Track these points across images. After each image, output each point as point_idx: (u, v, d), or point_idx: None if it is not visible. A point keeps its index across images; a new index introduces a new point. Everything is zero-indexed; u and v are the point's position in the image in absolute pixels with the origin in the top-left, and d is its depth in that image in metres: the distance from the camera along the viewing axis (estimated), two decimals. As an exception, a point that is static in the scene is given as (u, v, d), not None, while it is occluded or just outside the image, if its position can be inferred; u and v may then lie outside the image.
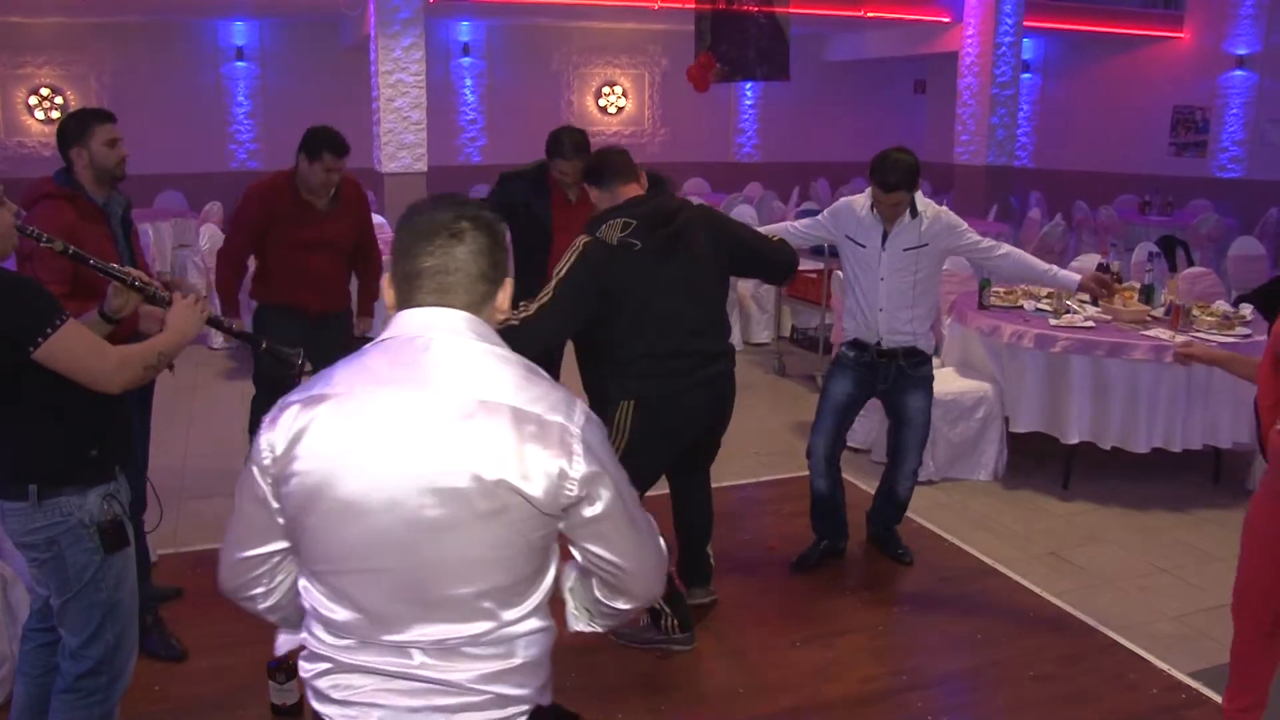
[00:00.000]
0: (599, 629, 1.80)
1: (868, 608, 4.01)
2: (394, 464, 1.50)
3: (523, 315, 3.12)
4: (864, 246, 4.02)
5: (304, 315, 4.45)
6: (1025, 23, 12.42)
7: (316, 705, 1.62)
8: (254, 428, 3.32)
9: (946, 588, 4.11)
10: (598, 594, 1.72)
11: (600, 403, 3.51)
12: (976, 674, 3.61)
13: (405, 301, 1.60)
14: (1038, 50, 15.06)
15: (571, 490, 1.54)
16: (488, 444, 1.50)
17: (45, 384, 2.32)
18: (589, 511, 1.58)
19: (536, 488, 1.51)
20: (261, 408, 3.73)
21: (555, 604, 1.69)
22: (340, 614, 1.57)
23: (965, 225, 4.04)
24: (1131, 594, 4.17)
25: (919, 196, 3.99)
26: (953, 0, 12.61)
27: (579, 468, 1.54)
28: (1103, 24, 13.72)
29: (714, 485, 5.21)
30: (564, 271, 3.24)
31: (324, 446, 1.52)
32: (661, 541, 1.74)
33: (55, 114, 11.93)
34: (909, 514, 4.73)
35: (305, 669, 1.64)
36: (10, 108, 11.86)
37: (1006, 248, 4.16)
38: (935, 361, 4.37)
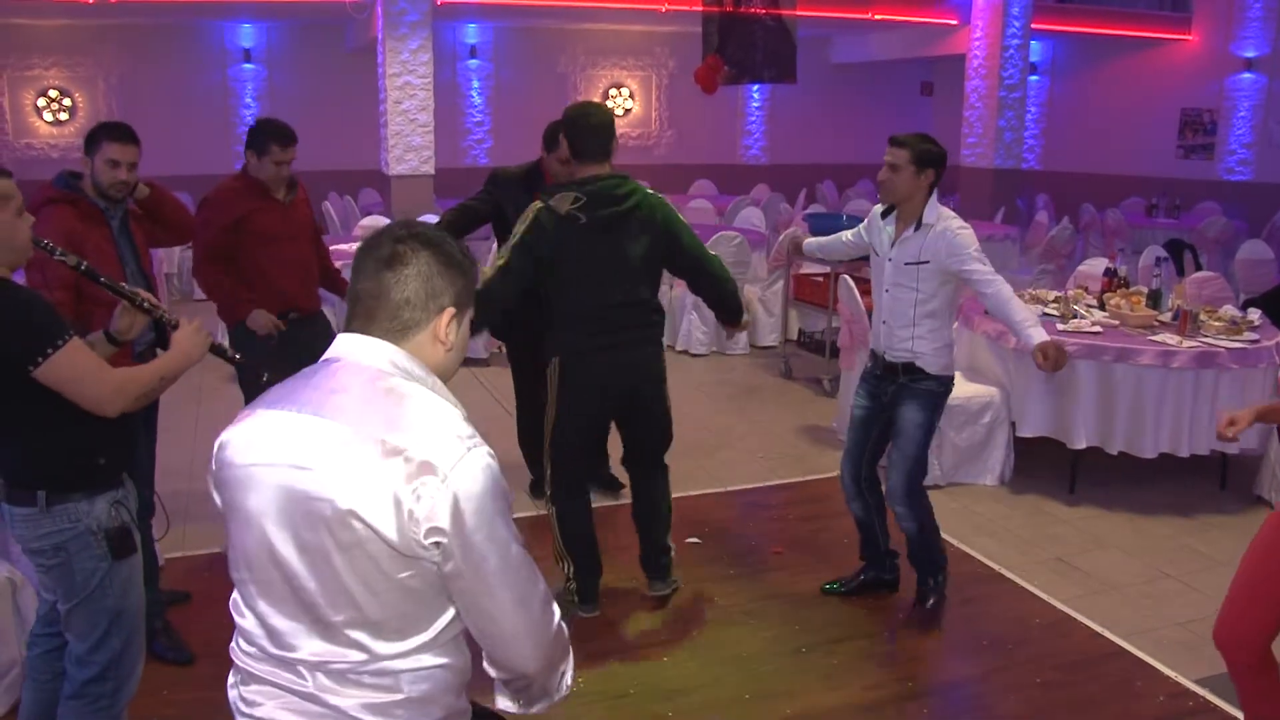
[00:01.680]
0: (521, 709, 1.70)
1: (872, 614, 4.00)
2: (280, 482, 1.54)
3: (483, 280, 3.39)
4: (877, 254, 3.90)
5: (288, 315, 4.32)
6: (1033, 25, 12.41)
7: (236, 718, 1.69)
8: None
9: (952, 593, 4.11)
10: (485, 663, 1.65)
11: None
12: (982, 681, 3.60)
13: (348, 321, 1.63)
14: (1045, 52, 15.04)
15: (417, 536, 1.47)
16: (351, 473, 1.49)
17: (53, 392, 2.32)
18: (446, 566, 1.51)
19: (388, 526, 1.47)
20: None
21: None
22: (247, 620, 1.64)
23: (971, 250, 3.64)
24: (1138, 600, 4.16)
25: (940, 211, 3.72)
26: (960, 2, 12.59)
27: (427, 514, 1.46)
28: (1110, 26, 13.70)
29: (719, 489, 5.25)
30: (516, 237, 3.60)
31: (239, 457, 1.59)
32: (551, 615, 1.62)
33: (63, 116, 11.98)
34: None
35: (230, 680, 1.71)
36: (19, 110, 11.90)
37: (997, 285, 3.66)
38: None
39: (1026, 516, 4.99)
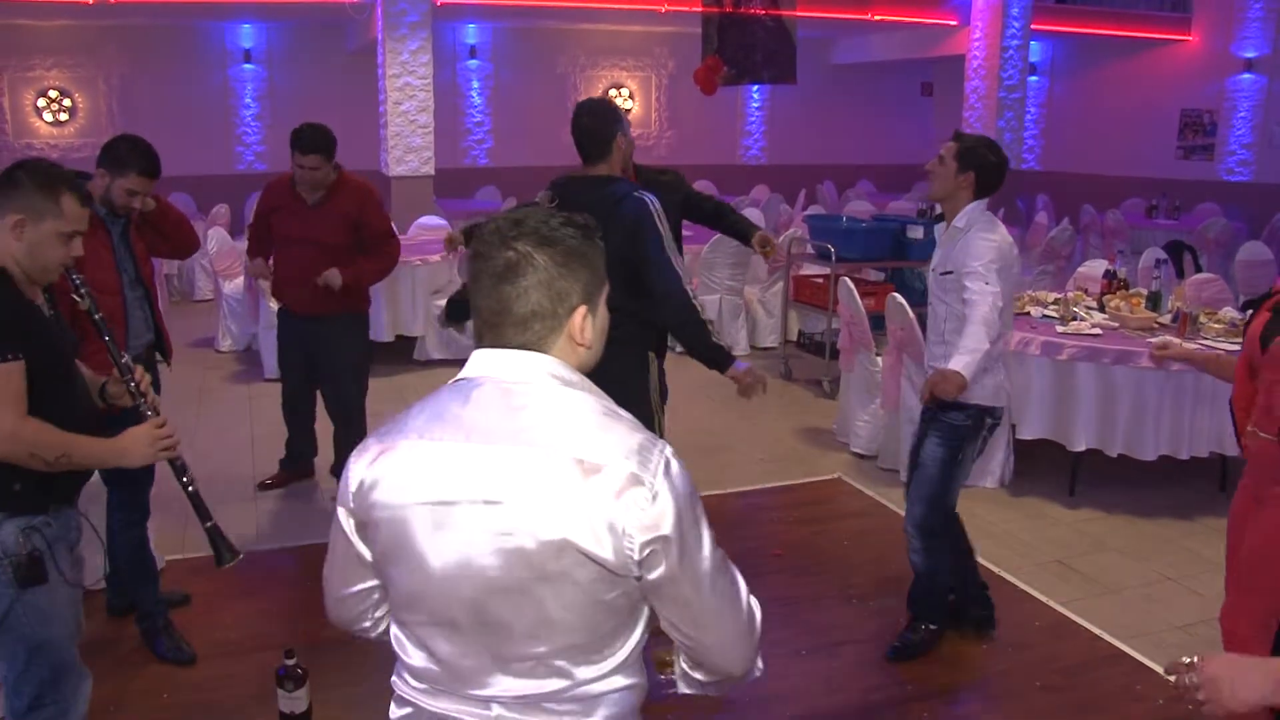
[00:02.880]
0: (711, 694, 1.71)
1: (873, 617, 4.00)
2: (460, 520, 1.45)
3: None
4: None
5: (293, 316, 4.81)
6: (1032, 26, 12.42)
7: None
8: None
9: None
10: (682, 661, 1.63)
11: None
12: (982, 684, 3.61)
13: (478, 338, 1.55)
14: (1045, 53, 15.04)
15: (633, 552, 1.42)
16: (552, 500, 1.41)
17: None
18: (653, 574, 1.45)
19: (604, 548, 1.41)
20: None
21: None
22: (419, 661, 1.55)
23: (979, 261, 3.35)
24: (1138, 603, 4.16)
25: (974, 217, 3.46)
26: (960, 3, 12.60)
27: (643, 525, 1.41)
28: (1110, 27, 13.70)
29: (719, 491, 5.24)
30: None
31: (397, 497, 1.49)
32: (753, 609, 1.60)
33: (63, 116, 11.98)
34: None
35: (393, 711, 1.61)
36: (19, 110, 11.90)
37: (976, 305, 3.34)
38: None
39: (1026, 519, 4.99)
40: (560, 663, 1.48)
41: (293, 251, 4.68)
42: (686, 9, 10.78)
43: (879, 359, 5.71)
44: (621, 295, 3.61)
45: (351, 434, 4.88)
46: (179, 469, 2.59)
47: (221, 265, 8.25)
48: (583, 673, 1.49)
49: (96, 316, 2.54)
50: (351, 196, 4.66)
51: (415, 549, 1.47)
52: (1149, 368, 4.88)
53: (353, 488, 1.53)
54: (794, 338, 7.82)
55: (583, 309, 1.53)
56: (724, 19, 9.67)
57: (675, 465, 1.46)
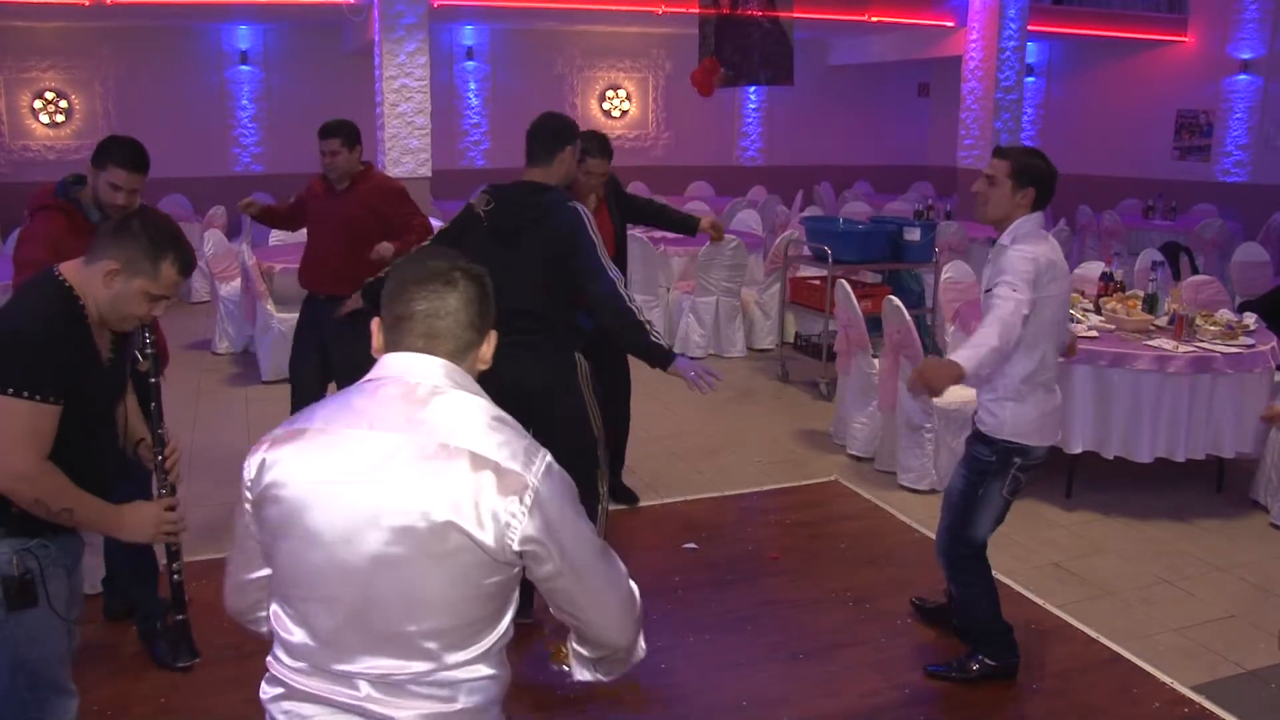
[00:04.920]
0: (602, 678, 1.83)
1: (869, 620, 4.01)
2: (355, 498, 1.56)
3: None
4: None
5: (316, 298, 5.03)
6: (1029, 27, 12.41)
7: None
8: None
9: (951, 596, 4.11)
10: (574, 642, 1.77)
11: None
12: (979, 688, 3.60)
13: (393, 345, 1.67)
14: (1041, 54, 15.05)
15: (513, 543, 1.56)
16: (442, 486, 1.54)
17: None
18: (539, 568, 1.60)
19: (486, 534, 1.54)
20: None
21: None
22: (297, 636, 1.63)
23: (1009, 273, 3.19)
24: (1134, 605, 4.17)
25: (1021, 233, 3.26)
26: (957, 4, 12.60)
27: (523, 522, 1.55)
28: (1106, 28, 13.71)
29: (716, 494, 5.25)
30: (442, 228, 3.87)
31: (297, 476, 1.60)
32: (631, 588, 1.75)
33: (60, 118, 11.95)
34: (910, 522, 4.75)
35: (265, 691, 1.70)
36: (15, 112, 11.88)
37: (998, 309, 3.17)
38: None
39: (1022, 521, 4.99)
40: (431, 644, 1.58)
41: (320, 233, 5.03)
42: (683, 10, 10.78)
43: (876, 361, 5.71)
44: (547, 303, 3.65)
45: None
46: (173, 554, 2.59)
47: (218, 268, 8.24)
48: (449, 657, 1.59)
49: (153, 380, 2.55)
50: (375, 188, 4.98)
51: (307, 524, 1.58)
52: (1145, 370, 4.89)
53: (251, 474, 1.64)
54: (791, 340, 7.82)
55: (494, 334, 1.74)
56: (721, 20, 9.68)
57: (555, 468, 1.62)
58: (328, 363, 5.04)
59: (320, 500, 1.57)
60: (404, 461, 1.55)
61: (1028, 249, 3.24)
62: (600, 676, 1.83)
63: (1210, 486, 5.37)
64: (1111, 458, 5.07)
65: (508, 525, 1.54)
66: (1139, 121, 13.89)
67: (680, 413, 6.25)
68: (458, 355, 1.66)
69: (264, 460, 1.62)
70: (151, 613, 3.63)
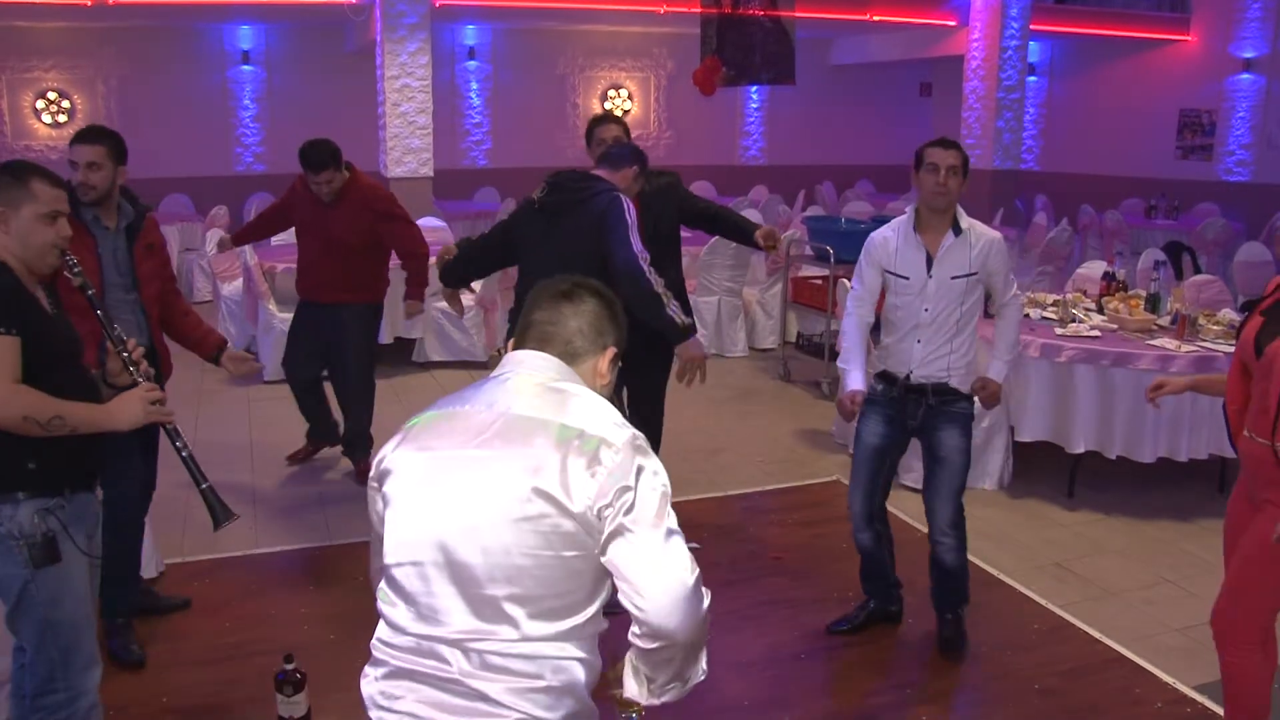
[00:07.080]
0: (653, 698, 1.85)
1: (871, 620, 3.99)
2: (458, 468, 1.71)
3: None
4: (907, 278, 3.55)
5: (311, 305, 5.13)
6: (1031, 26, 12.40)
7: (370, 714, 1.78)
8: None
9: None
10: (631, 636, 1.77)
11: None
12: (980, 688, 3.61)
13: (516, 346, 1.89)
14: (1044, 53, 15.04)
15: (605, 499, 1.66)
16: (532, 453, 1.68)
17: None
18: (611, 524, 1.67)
19: (571, 497, 1.65)
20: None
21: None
22: (398, 609, 1.74)
23: (1009, 264, 3.70)
24: (1137, 605, 4.16)
25: (963, 214, 3.59)
26: (959, 4, 12.60)
27: (609, 477, 1.66)
28: (1109, 27, 13.70)
29: (718, 493, 5.25)
30: (501, 221, 4.08)
31: (412, 447, 1.78)
32: (695, 582, 1.72)
33: (62, 118, 11.97)
34: (910, 521, 4.73)
35: (366, 674, 1.80)
36: (17, 111, 11.89)
37: (1019, 303, 3.77)
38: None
39: (1025, 521, 4.99)
40: (513, 610, 1.67)
41: (311, 246, 5.12)
42: (685, 10, 10.78)
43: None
44: (587, 268, 3.75)
45: (361, 421, 5.14)
46: (172, 433, 2.66)
47: (220, 267, 8.25)
48: (532, 628, 1.68)
49: (90, 293, 2.59)
50: (363, 203, 5.02)
51: (411, 491, 1.74)
52: (1148, 370, 4.88)
53: (379, 458, 1.82)
54: (793, 339, 7.82)
55: (613, 350, 1.90)
56: (723, 20, 9.68)
57: (643, 440, 1.75)
58: (326, 359, 5.17)
59: (419, 471, 1.74)
60: (496, 432, 1.71)
61: (995, 232, 3.65)
62: (651, 695, 1.84)
63: (1213, 486, 5.36)
64: (1114, 457, 5.07)
65: (594, 478, 1.65)
66: (1141, 121, 13.87)
67: (682, 411, 6.24)
68: (567, 358, 1.84)
69: (393, 443, 1.81)
70: (124, 609, 3.58)
